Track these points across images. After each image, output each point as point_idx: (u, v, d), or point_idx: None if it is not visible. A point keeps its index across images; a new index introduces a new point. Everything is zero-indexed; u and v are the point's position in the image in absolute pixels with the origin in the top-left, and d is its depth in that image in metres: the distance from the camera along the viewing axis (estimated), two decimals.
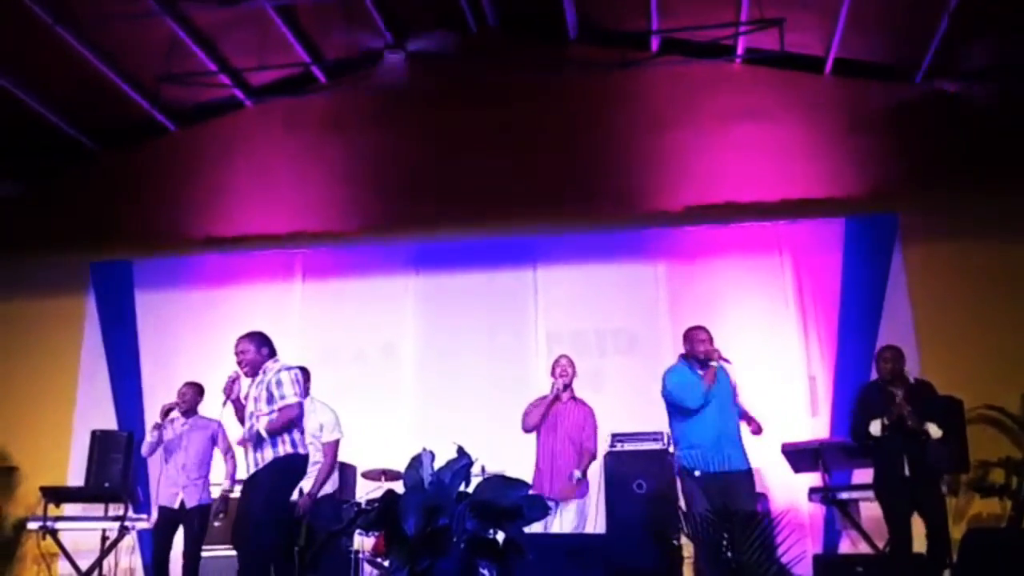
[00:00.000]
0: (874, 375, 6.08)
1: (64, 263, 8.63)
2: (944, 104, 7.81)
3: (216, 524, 6.36)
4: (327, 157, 8.76)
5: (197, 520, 6.21)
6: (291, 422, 5.18)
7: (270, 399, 5.16)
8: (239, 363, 5.31)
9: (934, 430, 5.54)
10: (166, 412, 6.39)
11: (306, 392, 6.03)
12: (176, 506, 6.27)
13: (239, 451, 5.89)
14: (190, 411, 6.45)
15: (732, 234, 8.02)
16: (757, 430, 5.64)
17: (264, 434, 5.10)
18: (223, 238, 8.62)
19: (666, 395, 5.63)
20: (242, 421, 5.35)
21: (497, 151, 8.34)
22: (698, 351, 5.57)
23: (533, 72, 8.30)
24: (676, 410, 5.59)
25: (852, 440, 5.97)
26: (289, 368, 5.28)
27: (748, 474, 5.49)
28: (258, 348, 5.31)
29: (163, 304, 8.49)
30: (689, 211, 8.07)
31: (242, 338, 5.36)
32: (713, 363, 5.51)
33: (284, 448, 5.12)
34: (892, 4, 7.42)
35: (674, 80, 8.38)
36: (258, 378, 5.27)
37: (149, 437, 6.42)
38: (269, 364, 5.28)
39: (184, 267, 8.64)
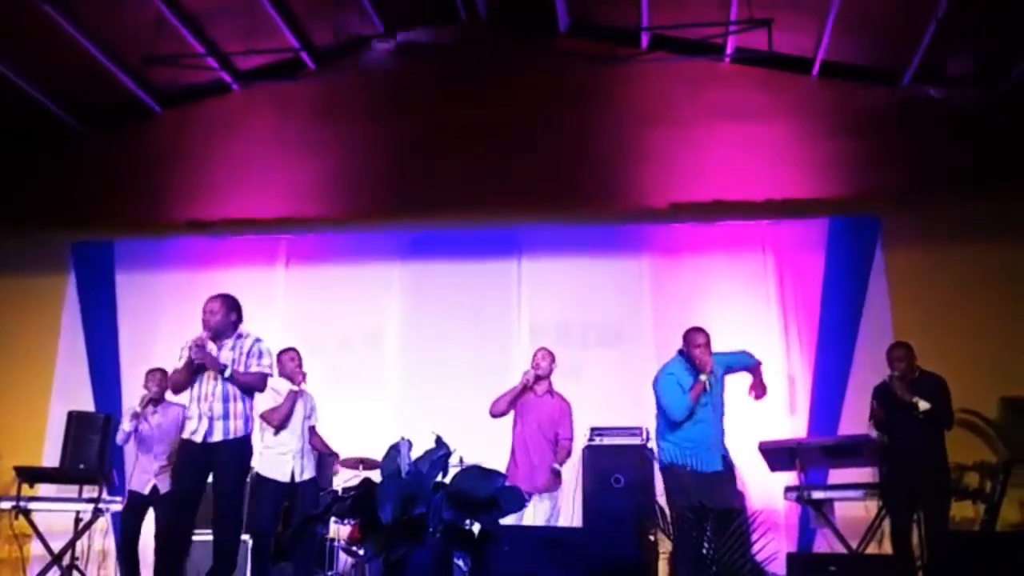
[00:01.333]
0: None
1: (45, 243, 8.55)
2: (930, 109, 7.86)
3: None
4: (314, 143, 8.70)
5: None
6: (258, 388, 5.26)
7: (247, 368, 5.19)
8: (205, 323, 5.15)
9: (923, 404, 5.77)
10: (147, 403, 6.34)
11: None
12: (147, 492, 6.25)
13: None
14: (158, 398, 6.40)
15: (717, 232, 8.05)
16: (760, 395, 5.80)
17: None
18: (207, 221, 8.55)
19: (656, 396, 5.64)
20: (190, 381, 5.15)
21: (484, 142, 8.32)
22: (693, 355, 5.55)
23: (522, 64, 8.30)
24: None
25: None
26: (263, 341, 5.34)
27: (729, 475, 5.52)
28: (227, 311, 5.20)
29: (144, 286, 8.43)
30: (674, 208, 8.08)
31: (214, 298, 5.22)
32: (703, 377, 5.47)
33: (249, 426, 5.19)
34: (880, 8, 7.45)
35: (663, 77, 8.39)
36: (229, 343, 5.20)
37: (127, 427, 6.36)
38: (244, 331, 5.27)
39: (166, 250, 8.58)
